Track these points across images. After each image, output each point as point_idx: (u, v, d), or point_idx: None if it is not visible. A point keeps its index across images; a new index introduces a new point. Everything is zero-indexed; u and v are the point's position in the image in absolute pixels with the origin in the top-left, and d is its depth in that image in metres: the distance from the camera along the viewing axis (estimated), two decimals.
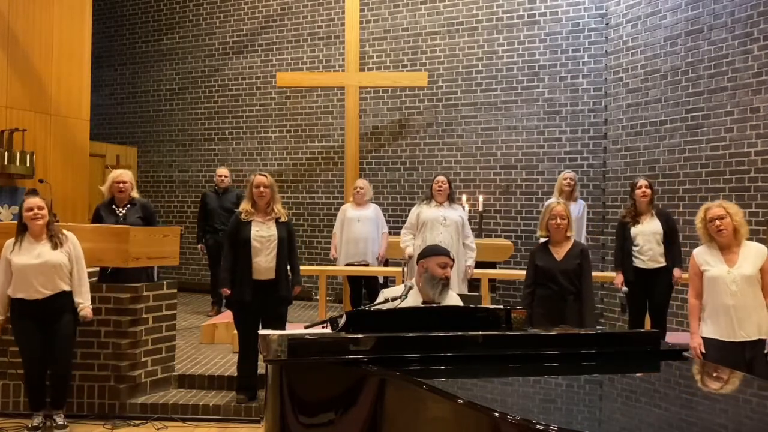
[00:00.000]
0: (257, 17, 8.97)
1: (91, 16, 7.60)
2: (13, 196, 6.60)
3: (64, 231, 4.20)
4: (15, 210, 6.54)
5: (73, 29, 7.30)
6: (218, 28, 9.22)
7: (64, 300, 4.11)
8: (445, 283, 3.37)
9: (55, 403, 4.24)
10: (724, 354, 3.50)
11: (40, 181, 6.69)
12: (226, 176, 7.14)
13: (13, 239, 4.13)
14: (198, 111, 9.36)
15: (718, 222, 3.63)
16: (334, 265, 6.49)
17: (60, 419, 4.22)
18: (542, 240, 4.37)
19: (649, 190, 5.06)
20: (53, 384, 4.22)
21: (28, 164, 6.58)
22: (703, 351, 3.62)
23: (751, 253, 3.65)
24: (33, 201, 4.13)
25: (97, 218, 5.07)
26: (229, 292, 4.54)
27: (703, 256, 3.73)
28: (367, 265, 6.21)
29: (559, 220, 4.11)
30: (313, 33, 8.64)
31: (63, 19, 7.18)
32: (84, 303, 4.17)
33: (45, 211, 4.10)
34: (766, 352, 3.61)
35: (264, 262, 4.43)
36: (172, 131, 9.54)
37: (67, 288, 4.12)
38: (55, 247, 4.08)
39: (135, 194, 5.16)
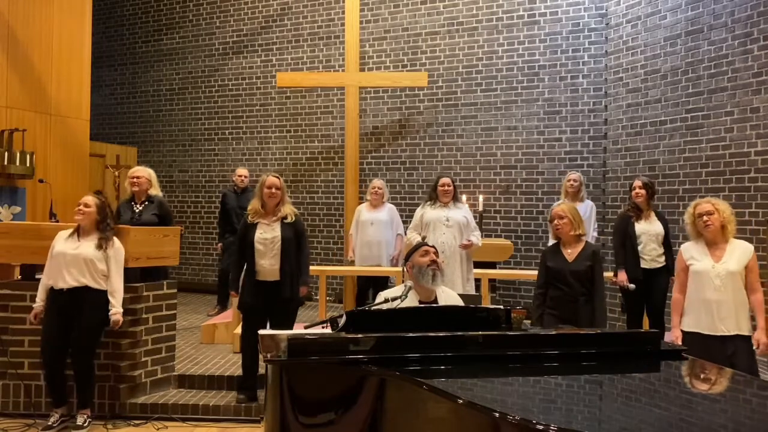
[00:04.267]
0: (257, 17, 8.97)
1: (91, 16, 7.60)
2: (13, 196, 6.60)
3: (115, 239, 4.29)
4: (15, 210, 6.54)
5: (73, 29, 7.30)
6: (218, 28, 9.23)
7: (88, 296, 4.14)
8: (435, 268, 3.39)
9: (79, 400, 4.25)
10: (705, 348, 3.53)
11: (40, 181, 6.70)
12: (246, 176, 7.18)
13: (69, 230, 4.29)
14: (198, 111, 9.36)
15: (705, 218, 3.69)
16: (335, 265, 6.48)
17: (81, 419, 4.21)
18: (553, 241, 4.34)
19: (642, 191, 5.08)
20: (75, 380, 4.24)
21: (28, 164, 6.58)
22: (680, 345, 3.62)
23: (737, 250, 3.71)
24: (85, 197, 4.31)
25: (117, 215, 5.15)
26: (236, 295, 4.65)
27: (690, 251, 3.80)
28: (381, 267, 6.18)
29: (557, 221, 4.10)
30: (313, 33, 8.65)
31: (63, 19, 7.18)
32: (116, 308, 4.20)
33: (90, 209, 4.22)
34: (756, 348, 3.66)
35: (268, 264, 4.44)
36: (172, 131, 9.55)
37: (93, 285, 4.15)
38: (99, 247, 4.17)
39: (154, 191, 5.20)
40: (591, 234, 5.99)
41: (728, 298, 3.61)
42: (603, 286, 4.14)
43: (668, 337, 3.79)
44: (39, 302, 4.23)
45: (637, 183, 5.14)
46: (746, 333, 3.63)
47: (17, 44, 6.73)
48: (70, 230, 4.29)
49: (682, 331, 3.77)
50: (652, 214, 5.09)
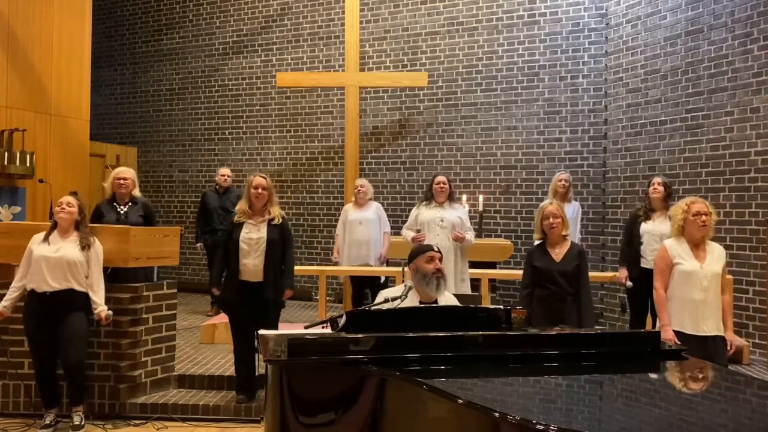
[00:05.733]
0: (257, 17, 8.97)
1: (91, 16, 7.60)
2: (13, 196, 6.60)
3: (95, 237, 4.28)
4: (15, 210, 6.54)
5: (73, 29, 7.30)
6: (218, 28, 9.23)
7: (73, 298, 4.13)
8: (439, 276, 3.38)
9: (72, 398, 4.25)
10: (688, 347, 3.52)
11: (40, 180, 6.70)
12: (228, 176, 7.17)
13: (43, 233, 4.24)
14: (198, 111, 9.36)
15: (704, 217, 3.70)
16: (335, 265, 6.48)
17: (77, 418, 4.20)
18: (537, 241, 4.35)
19: (661, 188, 5.10)
20: (67, 379, 4.23)
21: (28, 164, 6.58)
22: (678, 343, 3.63)
23: (716, 252, 3.77)
24: (65, 197, 4.31)
25: (97, 215, 5.05)
26: (218, 292, 4.61)
27: (675, 249, 3.79)
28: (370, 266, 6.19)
29: (552, 219, 4.11)
30: (313, 33, 8.65)
31: (63, 19, 7.18)
32: (101, 305, 4.19)
33: (74, 209, 4.22)
34: (729, 350, 3.73)
35: (251, 264, 4.42)
36: (172, 131, 9.55)
37: (77, 287, 4.14)
38: (82, 248, 4.16)
39: (136, 193, 5.18)
40: (576, 236, 6.00)
41: (711, 299, 3.67)
42: (589, 285, 4.16)
43: (663, 336, 3.75)
44: (6, 303, 4.19)
45: (657, 180, 5.18)
46: (723, 333, 3.71)
47: (17, 44, 6.73)
48: (44, 232, 4.24)
49: None
50: (665, 214, 5.09)
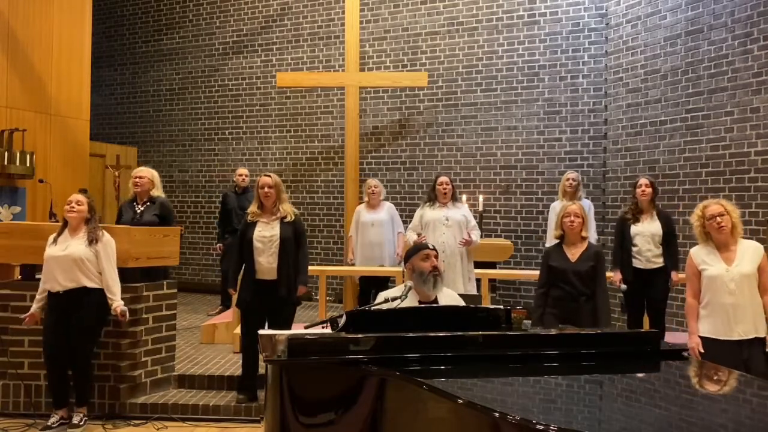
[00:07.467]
0: (257, 17, 8.97)
1: (91, 16, 7.61)
2: (13, 196, 6.60)
3: (104, 232, 4.29)
4: (15, 210, 6.54)
5: (73, 29, 7.30)
6: (218, 28, 9.23)
7: (86, 296, 4.14)
8: (436, 274, 3.38)
9: (77, 399, 4.27)
10: (720, 353, 3.48)
11: (40, 181, 6.70)
12: (246, 175, 7.16)
13: (55, 233, 4.26)
14: (198, 111, 9.36)
15: (719, 219, 3.60)
16: (335, 265, 6.47)
17: (77, 418, 4.22)
18: (555, 241, 4.34)
19: (649, 189, 5.06)
20: (74, 380, 4.25)
21: (28, 164, 6.58)
22: (702, 351, 3.60)
23: (748, 251, 3.63)
24: (75, 195, 4.31)
25: (118, 214, 5.23)
26: (234, 292, 4.66)
27: (700, 255, 3.70)
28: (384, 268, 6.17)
29: (573, 218, 4.12)
30: (313, 33, 8.65)
31: (63, 19, 7.18)
32: (117, 300, 4.20)
33: (83, 207, 4.23)
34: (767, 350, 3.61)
35: (266, 262, 4.45)
36: (172, 131, 9.55)
37: (90, 284, 4.14)
38: (89, 242, 4.16)
39: (157, 192, 5.22)
40: (592, 234, 5.98)
41: (744, 301, 3.54)
42: (606, 286, 4.14)
43: (688, 343, 3.70)
44: (34, 306, 4.23)
45: (644, 181, 5.11)
46: (762, 335, 3.56)
47: (17, 44, 6.73)
48: (55, 232, 4.27)
49: (698, 336, 3.69)
50: (652, 214, 5.08)
